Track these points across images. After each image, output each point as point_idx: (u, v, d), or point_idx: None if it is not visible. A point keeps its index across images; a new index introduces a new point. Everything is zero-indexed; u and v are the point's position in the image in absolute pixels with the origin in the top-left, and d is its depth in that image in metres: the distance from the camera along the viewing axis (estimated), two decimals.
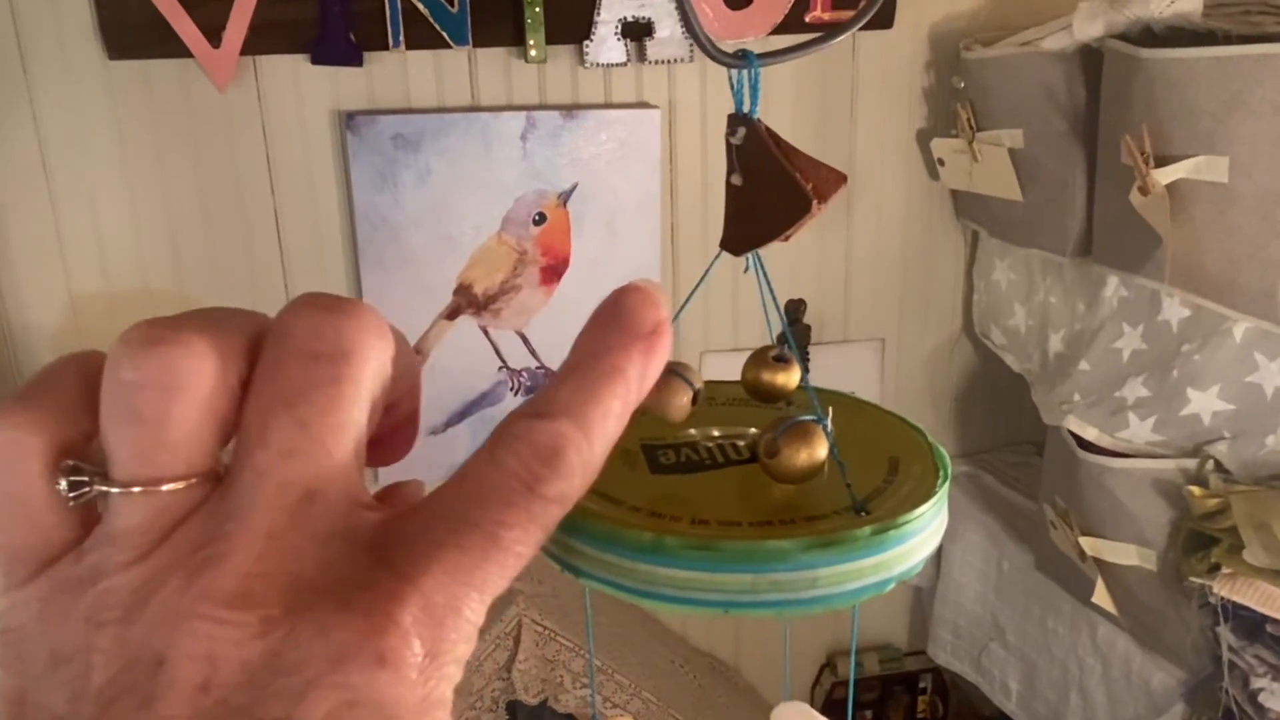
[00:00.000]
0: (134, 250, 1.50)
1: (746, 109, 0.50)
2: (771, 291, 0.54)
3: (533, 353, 1.63)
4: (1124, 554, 1.32)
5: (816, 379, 1.92)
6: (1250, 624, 1.15)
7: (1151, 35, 1.23)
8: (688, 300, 0.66)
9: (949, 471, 0.48)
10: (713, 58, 0.50)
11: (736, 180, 0.52)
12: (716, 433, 0.55)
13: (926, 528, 0.45)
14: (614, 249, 1.60)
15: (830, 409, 0.50)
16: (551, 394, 0.28)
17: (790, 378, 0.55)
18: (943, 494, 0.47)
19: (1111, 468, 1.31)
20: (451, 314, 1.58)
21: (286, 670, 0.23)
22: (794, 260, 1.70)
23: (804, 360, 1.69)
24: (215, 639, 0.23)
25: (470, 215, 1.54)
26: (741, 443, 0.54)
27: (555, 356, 1.63)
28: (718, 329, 1.71)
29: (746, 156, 0.51)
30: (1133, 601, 1.35)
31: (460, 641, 0.26)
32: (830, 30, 0.54)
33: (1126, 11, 1.23)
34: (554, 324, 1.62)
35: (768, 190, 0.50)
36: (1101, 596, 1.36)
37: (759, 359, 0.56)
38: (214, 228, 1.51)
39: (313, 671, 0.23)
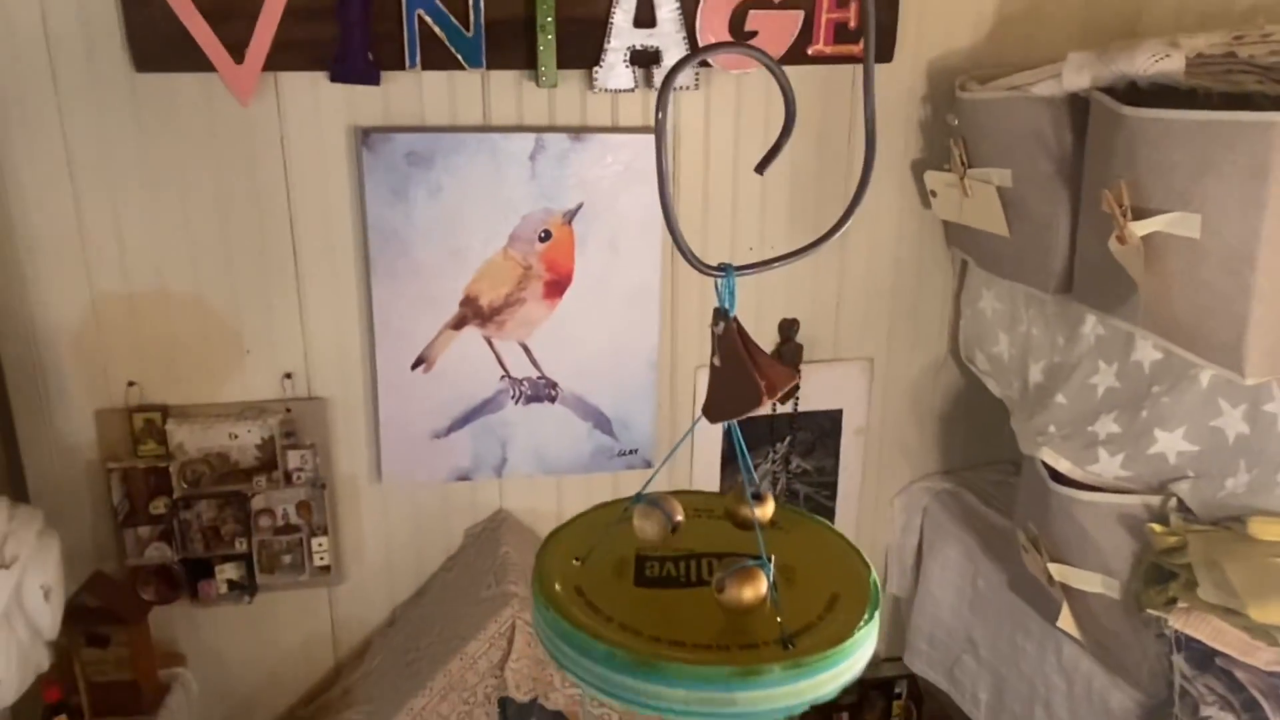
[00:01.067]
0: (153, 254, 1.55)
1: (727, 308, 0.61)
2: (746, 453, 0.65)
3: (534, 363, 1.69)
4: (1089, 581, 1.39)
5: (807, 396, 1.98)
6: (1202, 655, 1.22)
7: (1136, 89, 1.28)
8: (674, 450, 0.78)
9: (874, 613, 0.59)
10: (698, 269, 0.62)
11: (717, 361, 0.63)
12: (699, 549, 0.66)
13: (840, 663, 0.56)
14: (616, 267, 1.66)
15: (774, 557, 0.61)
16: None
17: (765, 511, 0.67)
18: (861, 635, 0.57)
19: (1081, 500, 1.37)
20: (457, 324, 1.64)
21: None
22: (789, 281, 1.76)
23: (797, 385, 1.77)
24: None
25: (479, 231, 1.60)
26: (714, 562, 0.64)
27: (556, 368, 1.70)
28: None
29: (723, 345, 0.62)
30: (1096, 626, 1.42)
31: None
32: (811, 244, 0.66)
33: (1113, 66, 1.29)
34: (556, 336, 1.68)
35: (735, 377, 0.62)
36: (1066, 621, 1.43)
37: (739, 498, 0.67)
38: (231, 235, 1.56)
39: None
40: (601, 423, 1.74)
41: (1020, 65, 1.54)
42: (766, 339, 1.79)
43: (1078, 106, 1.37)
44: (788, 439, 1.86)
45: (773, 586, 0.59)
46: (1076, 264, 1.43)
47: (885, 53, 1.65)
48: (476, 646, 1.50)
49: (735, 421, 0.65)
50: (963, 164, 1.57)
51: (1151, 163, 1.21)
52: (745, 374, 0.61)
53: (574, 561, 0.64)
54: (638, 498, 0.65)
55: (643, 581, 0.63)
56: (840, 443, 1.89)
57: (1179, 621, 1.20)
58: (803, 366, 1.82)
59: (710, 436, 1.80)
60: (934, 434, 1.94)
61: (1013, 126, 1.47)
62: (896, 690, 2.04)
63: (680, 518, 0.63)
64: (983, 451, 1.95)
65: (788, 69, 1.72)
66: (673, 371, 1.77)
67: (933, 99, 1.71)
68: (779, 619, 0.58)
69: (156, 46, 1.44)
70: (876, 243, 1.78)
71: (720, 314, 0.63)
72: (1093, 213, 1.35)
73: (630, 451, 1.76)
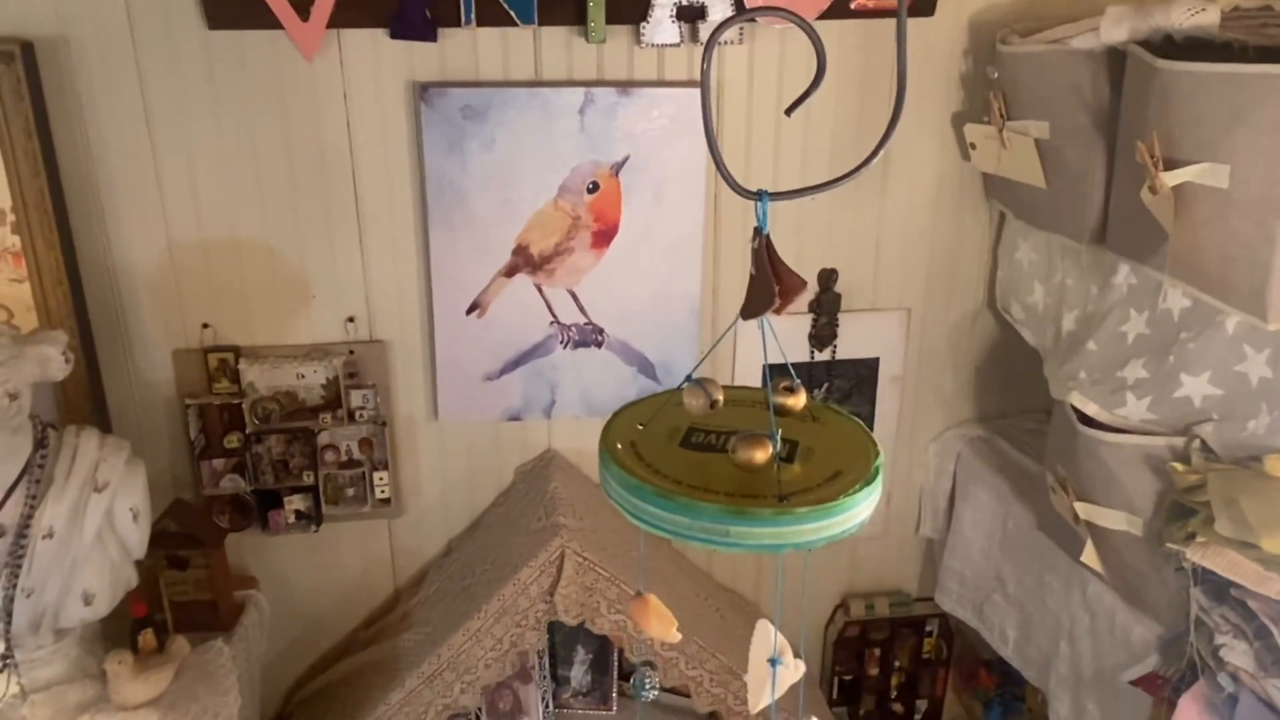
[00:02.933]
0: (225, 202, 1.65)
1: (761, 226, 0.73)
2: (779, 347, 0.79)
3: (582, 310, 1.77)
4: (1114, 519, 1.44)
5: (845, 344, 2.06)
6: (1218, 588, 1.28)
7: (1172, 42, 1.31)
8: (713, 347, 0.89)
9: (864, 488, 0.72)
10: (738, 192, 0.73)
11: (752, 270, 0.76)
12: (738, 427, 0.78)
13: (822, 520, 0.69)
14: (660, 217, 1.72)
15: (780, 430, 0.75)
16: None
17: (796, 401, 0.81)
18: (847, 500, 0.70)
19: (1107, 441, 1.43)
20: (509, 272, 1.73)
21: None
22: (828, 231, 1.82)
23: (835, 332, 1.83)
24: None
25: (530, 182, 1.67)
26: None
27: (602, 314, 1.78)
28: None
29: (756, 257, 0.75)
30: (1119, 562, 1.48)
31: None
32: (838, 178, 0.75)
33: (1150, 20, 1.32)
34: (603, 284, 1.75)
35: (762, 283, 0.75)
36: (1090, 557, 1.49)
37: (774, 388, 0.81)
38: (297, 185, 1.65)
39: None
40: (645, 367, 1.82)
41: (1060, 19, 1.57)
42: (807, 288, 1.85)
43: (1115, 60, 1.40)
44: (825, 385, 1.92)
45: (777, 454, 0.73)
46: (1110, 214, 1.47)
47: (927, 7, 1.68)
48: (528, 573, 1.60)
49: (769, 327, 0.78)
50: (1002, 116, 1.60)
51: (1183, 114, 1.24)
52: (767, 280, 0.75)
53: (638, 426, 0.81)
54: (688, 379, 0.82)
55: (687, 445, 0.79)
56: (876, 390, 1.95)
57: (1197, 555, 1.25)
58: (841, 315, 1.88)
59: (751, 364, 1.87)
60: (968, 382, 1.99)
61: (1051, 79, 1.50)
62: (928, 628, 2.12)
63: (720, 396, 0.78)
64: (1016, 400, 2.00)
65: (831, 24, 1.76)
66: (714, 318, 1.84)
67: (973, 53, 1.74)
68: (778, 479, 0.72)
69: (227, 5, 1.52)
70: (916, 195, 1.83)
71: (757, 232, 0.76)
72: (1127, 164, 1.39)
73: None
